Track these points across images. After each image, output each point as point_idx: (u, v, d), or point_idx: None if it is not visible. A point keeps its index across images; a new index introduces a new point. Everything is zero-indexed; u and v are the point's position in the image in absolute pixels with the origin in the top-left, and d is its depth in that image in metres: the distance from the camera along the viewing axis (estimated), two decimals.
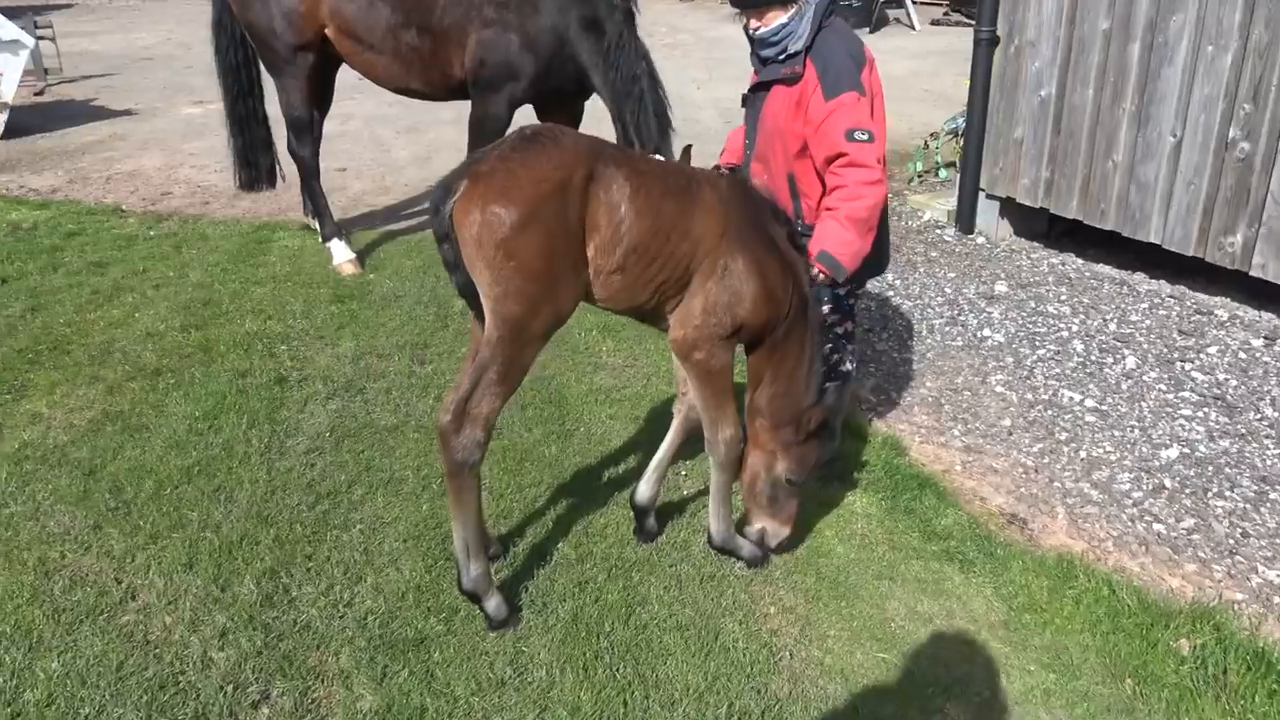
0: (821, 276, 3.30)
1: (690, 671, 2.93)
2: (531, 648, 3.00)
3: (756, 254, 3.03)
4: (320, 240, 6.45)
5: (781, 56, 3.44)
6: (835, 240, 3.29)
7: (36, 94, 12.02)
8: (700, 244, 2.96)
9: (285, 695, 2.80)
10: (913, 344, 5.54)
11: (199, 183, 8.25)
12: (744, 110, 3.70)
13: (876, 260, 3.72)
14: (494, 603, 3.08)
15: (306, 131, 6.19)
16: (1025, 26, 6.62)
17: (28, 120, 10.08)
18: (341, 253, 6.22)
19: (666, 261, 2.93)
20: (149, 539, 3.45)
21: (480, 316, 2.89)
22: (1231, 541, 3.93)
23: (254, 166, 6.59)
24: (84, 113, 10.77)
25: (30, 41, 9.98)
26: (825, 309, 3.62)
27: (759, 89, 3.59)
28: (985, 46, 6.88)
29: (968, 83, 7.03)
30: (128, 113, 10.77)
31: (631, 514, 3.59)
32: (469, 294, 2.88)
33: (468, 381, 2.85)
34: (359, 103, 11.38)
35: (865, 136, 3.26)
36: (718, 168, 3.76)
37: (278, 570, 3.30)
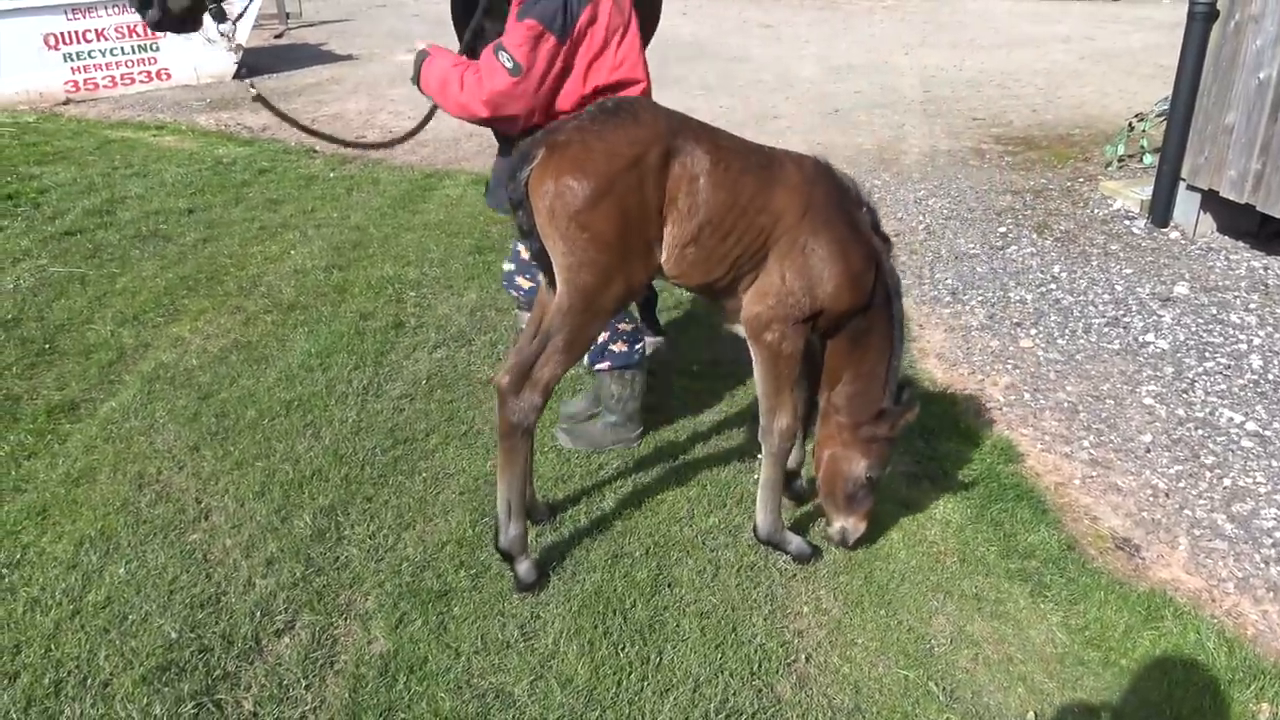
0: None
1: (696, 660, 2.85)
2: (547, 614, 3.01)
3: (840, 236, 2.92)
4: None
5: None
6: (439, 67, 3.27)
7: (276, 37, 12.96)
8: (780, 220, 2.88)
9: (306, 628, 2.93)
10: (1063, 343, 5.13)
11: (391, 127, 8.65)
12: None
13: None
14: (525, 566, 3.12)
15: None
16: (1250, 0, 5.91)
17: (261, 62, 10.85)
18: None
19: (742, 236, 2.87)
20: (235, 465, 3.68)
21: (551, 284, 2.92)
22: None
23: None
24: (311, 56, 11.50)
25: None
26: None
27: None
28: (1201, 21, 6.20)
29: None
30: (349, 57, 11.41)
31: (688, 492, 3.53)
32: (542, 262, 2.90)
33: (531, 346, 2.89)
34: None
35: (508, 61, 3.07)
36: None
37: (336, 508, 3.45)
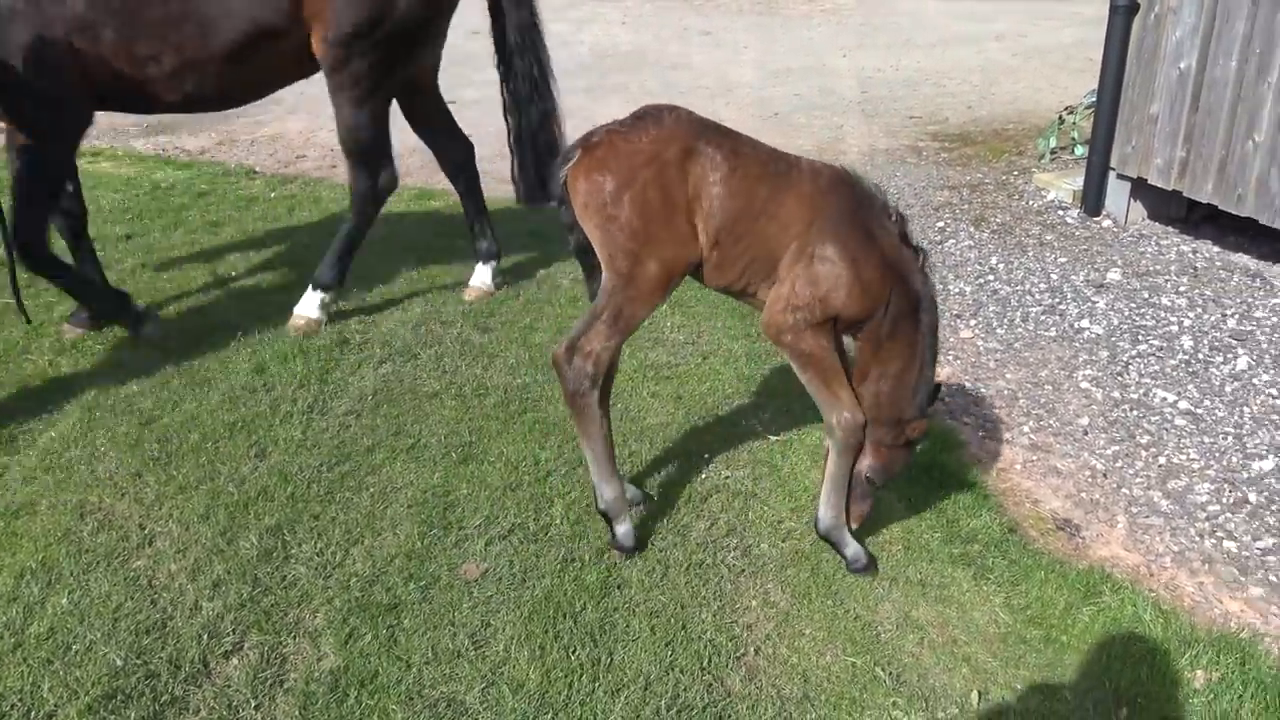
0: None
1: (647, 659, 2.88)
2: (498, 621, 3.02)
3: (849, 246, 3.02)
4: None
5: None
6: None
7: None
8: (788, 229, 3.02)
9: (255, 648, 2.92)
10: (1001, 332, 5.23)
11: (332, 146, 8.55)
12: None
13: None
14: (624, 529, 3.29)
15: None
16: None
17: None
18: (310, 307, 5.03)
19: (753, 243, 3.02)
20: (179, 489, 3.65)
21: (589, 275, 3.29)
22: None
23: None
24: None
25: None
26: None
27: None
28: (1123, 14, 6.37)
29: None
30: None
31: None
32: (583, 252, 3.18)
33: (582, 322, 3.10)
34: None
35: None
36: None
37: (282, 527, 3.43)
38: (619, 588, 3.17)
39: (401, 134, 8.38)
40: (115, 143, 8.67)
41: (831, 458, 3.22)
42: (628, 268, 2.98)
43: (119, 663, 2.84)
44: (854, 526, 3.33)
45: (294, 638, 2.97)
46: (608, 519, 3.31)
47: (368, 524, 3.47)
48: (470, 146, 5.55)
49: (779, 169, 3.04)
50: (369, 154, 4.90)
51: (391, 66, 4.77)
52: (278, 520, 3.47)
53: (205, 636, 2.94)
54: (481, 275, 5.48)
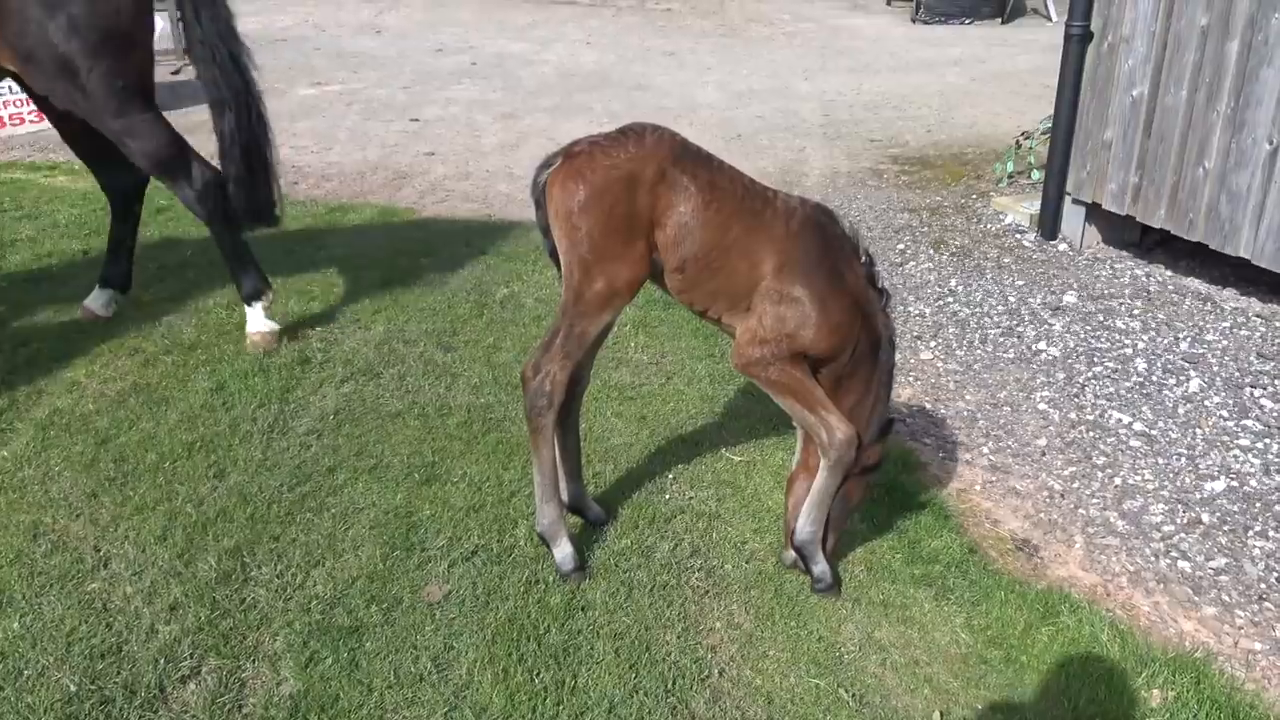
0: None
1: (611, 682, 2.87)
2: (461, 644, 3.00)
3: (819, 289, 3.07)
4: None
5: None
6: None
7: (173, 73, 12.69)
8: (758, 268, 3.06)
9: (213, 673, 2.87)
10: (960, 354, 5.30)
11: (294, 162, 8.54)
12: None
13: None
14: (562, 552, 3.29)
15: None
16: (1121, 22, 6.20)
17: (158, 97, 10.60)
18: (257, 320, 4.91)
19: (728, 277, 3.06)
20: (135, 510, 3.59)
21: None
22: (1264, 586, 3.62)
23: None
24: None
25: (160, 22, 10.50)
26: None
27: None
28: (1077, 42, 6.49)
29: None
30: None
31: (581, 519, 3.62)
32: (555, 260, 3.16)
33: (543, 341, 3.14)
34: (465, 88, 11.62)
35: None
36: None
37: (241, 549, 3.39)
38: (583, 610, 3.16)
39: (363, 151, 8.41)
40: (72, 157, 8.54)
41: (820, 473, 3.23)
42: (578, 281, 3.01)
43: (72, 688, 2.78)
44: (826, 557, 3.35)
45: (253, 662, 2.93)
46: (545, 541, 3.32)
47: (329, 545, 3.43)
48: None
49: (755, 206, 3.07)
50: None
51: None
52: (237, 542, 3.42)
53: (162, 661, 2.90)
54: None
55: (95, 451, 3.95)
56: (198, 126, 9.64)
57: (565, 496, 3.48)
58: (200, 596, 3.16)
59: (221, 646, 2.97)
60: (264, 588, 3.22)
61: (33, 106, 9.27)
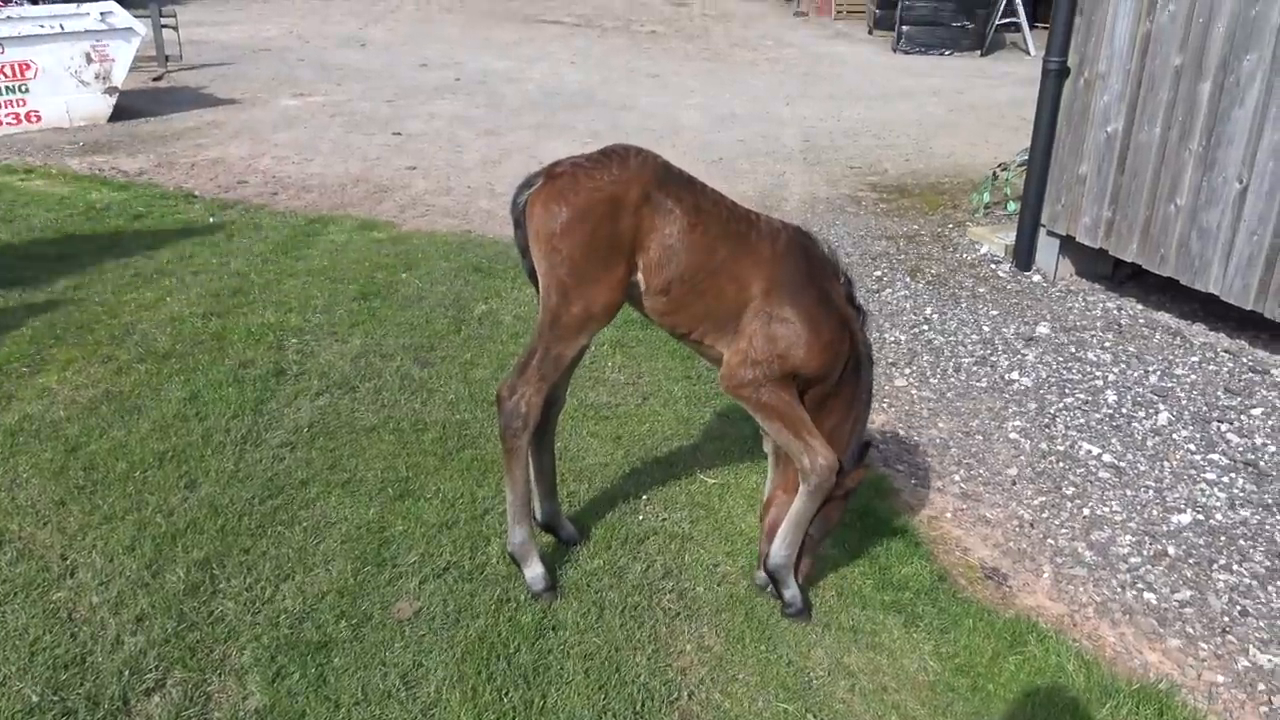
0: None
1: (580, 702, 2.87)
2: (430, 662, 2.99)
3: (809, 308, 3.10)
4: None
5: None
6: None
7: (155, 79, 12.64)
8: (745, 290, 3.08)
9: (178, 686, 2.85)
10: (934, 382, 5.34)
11: (274, 173, 8.53)
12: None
13: None
14: (533, 572, 3.28)
15: None
16: (1097, 59, 6.31)
17: (137, 104, 10.58)
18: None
19: (715, 299, 3.07)
20: (104, 519, 3.56)
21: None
22: (1227, 619, 3.66)
23: None
24: (192, 100, 11.24)
25: (142, 30, 10.45)
26: None
27: None
28: (1054, 78, 6.60)
29: None
30: (232, 101, 11.19)
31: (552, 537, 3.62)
32: (534, 279, 3.13)
33: (519, 361, 3.11)
34: (448, 104, 11.63)
35: None
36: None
37: (211, 561, 3.36)
38: (554, 629, 3.16)
39: (345, 164, 8.43)
40: (49, 160, 8.50)
41: (798, 497, 3.24)
42: (556, 304, 2.99)
43: (34, 699, 2.75)
44: (799, 581, 3.36)
45: (219, 675, 2.90)
46: (516, 562, 3.31)
47: (299, 559, 3.41)
48: None
49: (740, 228, 3.08)
50: None
51: None
52: (206, 553, 3.40)
53: (126, 673, 2.87)
54: None
55: (65, 459, 3.92)
56: (183, 132, 9.67)
57: (540, 515, 3.49)
58: (168, 608, 3.14)
59: (188, 659, 2.94)
60: (233, 600, 3.19)
61: (12, 109, 9.25)
